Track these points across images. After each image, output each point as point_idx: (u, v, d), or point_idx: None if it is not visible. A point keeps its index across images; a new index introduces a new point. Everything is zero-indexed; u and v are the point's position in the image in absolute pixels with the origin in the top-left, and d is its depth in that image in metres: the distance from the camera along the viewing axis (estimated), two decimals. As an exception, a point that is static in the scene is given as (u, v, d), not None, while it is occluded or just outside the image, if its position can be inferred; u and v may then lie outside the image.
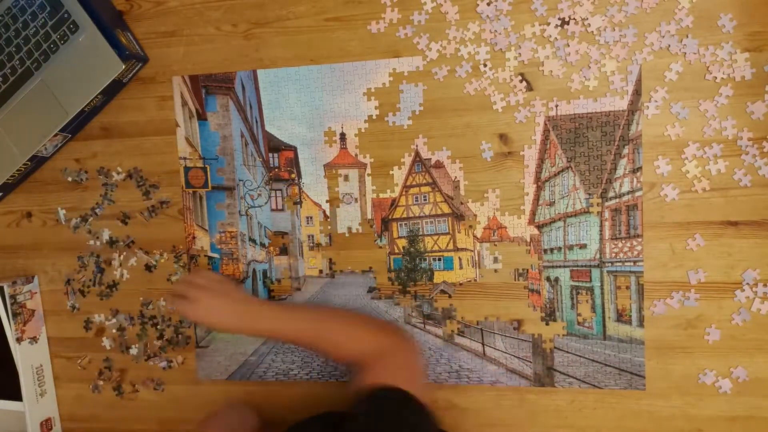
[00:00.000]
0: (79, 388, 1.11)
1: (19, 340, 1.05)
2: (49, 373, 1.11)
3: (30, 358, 1.07)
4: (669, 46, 0.86)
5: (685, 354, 0.91)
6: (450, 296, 0.98)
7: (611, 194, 0.91)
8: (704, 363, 0.90)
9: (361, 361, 0.80)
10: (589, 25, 0.88)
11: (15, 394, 1.05)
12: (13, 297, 1.04)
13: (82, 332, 1.10)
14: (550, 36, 0.89)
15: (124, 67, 0.94)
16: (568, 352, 0.94)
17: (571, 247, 0.93)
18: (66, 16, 0.93)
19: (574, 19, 0.88)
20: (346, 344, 0.84)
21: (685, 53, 0.86)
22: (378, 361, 0.80)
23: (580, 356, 0.94)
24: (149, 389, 1.08)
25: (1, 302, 1.03)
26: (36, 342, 1.08)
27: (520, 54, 0.91)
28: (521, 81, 0.91)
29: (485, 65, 0.92)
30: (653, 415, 0.93)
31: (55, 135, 0.99)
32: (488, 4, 0.90)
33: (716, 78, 0.86)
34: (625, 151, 0.89)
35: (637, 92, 0.88)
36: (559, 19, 0.89)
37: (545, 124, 0.91)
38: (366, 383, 0.75)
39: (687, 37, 0.86)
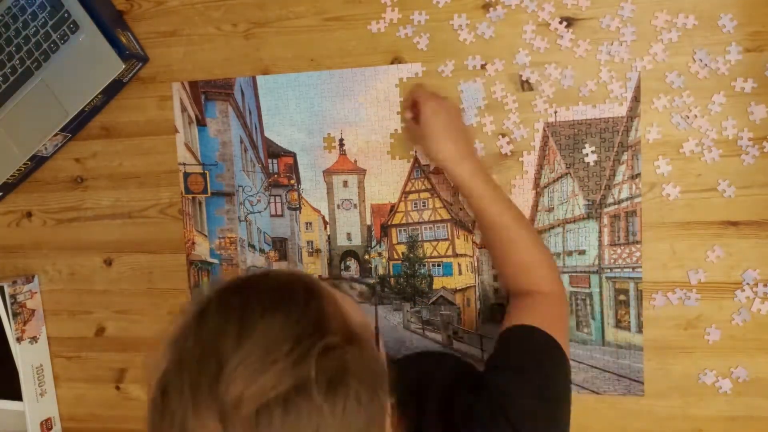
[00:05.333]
0: (79, 388, 1.11)
1: (19, 339, 1.05)
2: (49, 373, 1.11)
3: (30, 357, 1.07)
4: (669, 50, 0.86)
5: (685, 354, 0.91)
6: (449, 302, 0.97)
7: (610, 200, 0.91)
8: (704, 363, 0.90)
9: (522, 293, 0.79)
10: (589, 28, 0.88)
11: (15, 394, 1.05)
12: (13, 297, 1.04)
13: (82, 332, 1.10)
14: (549, 40, 0.89)
15: (124, 66, 0.94)
16: (566, 356, 0.94)
17: (570, 253, 0.93)
18: (66, 15, 0.93)
19: (573, 22, 0.88)
20: (526, 269, 0.80)
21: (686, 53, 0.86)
22: (539, 303, 0.78)
23: (579, 362, 0.93)
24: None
25: (1, 302, 1.03)
26: (36, 342, 1.08)
27: (518, 57, 0.90)
28: (520, 84, 0.91)
29: (485, 66, 0.92)
30: (653, 416, 0.92)
31: (56, 135, 0.99)
32: (488, 5, 0.90)
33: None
34: (624, 157, 0.89)
35: (636, 99, 0.88)
36: (558, 22, 0.88)
37: (544, 130, 0.91)
38: (525, 322, 0.74)
39: (687, 38, 0.86)
